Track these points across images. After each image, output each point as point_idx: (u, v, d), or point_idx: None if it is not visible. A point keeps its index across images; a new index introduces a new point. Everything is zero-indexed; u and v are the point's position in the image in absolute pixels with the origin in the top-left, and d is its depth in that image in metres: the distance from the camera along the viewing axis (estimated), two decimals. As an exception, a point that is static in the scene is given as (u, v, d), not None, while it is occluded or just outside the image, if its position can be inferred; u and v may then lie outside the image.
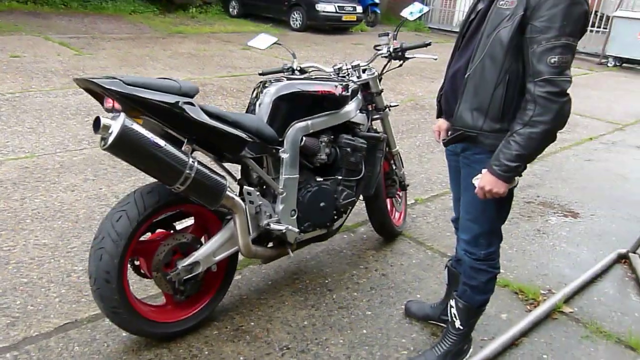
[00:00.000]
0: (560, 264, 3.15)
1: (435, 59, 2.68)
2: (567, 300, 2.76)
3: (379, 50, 2.79)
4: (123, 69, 6.86)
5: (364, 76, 2.79)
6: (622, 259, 3.23)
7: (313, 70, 2.83)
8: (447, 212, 3.63)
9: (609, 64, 11.33)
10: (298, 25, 12.60)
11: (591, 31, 11.76)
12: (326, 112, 2.52)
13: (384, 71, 2.83)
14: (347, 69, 2.78)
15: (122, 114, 1.80)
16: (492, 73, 1.71)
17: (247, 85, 6.53)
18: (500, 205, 1.91)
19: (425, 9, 2.68)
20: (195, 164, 1.95)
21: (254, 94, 2.46)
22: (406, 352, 2.28)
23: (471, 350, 2.26)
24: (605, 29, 11.83)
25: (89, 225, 3.03)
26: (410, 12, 2.72)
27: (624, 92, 8.75)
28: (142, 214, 2.00)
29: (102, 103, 1.95)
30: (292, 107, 2.41)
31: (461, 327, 2.13)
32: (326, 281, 2.75)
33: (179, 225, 2.29)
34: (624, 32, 10.84)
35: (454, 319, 2.13)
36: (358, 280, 2.78)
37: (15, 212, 3.11)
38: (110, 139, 1.76)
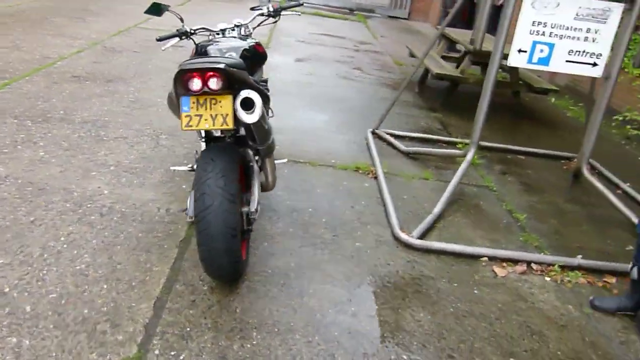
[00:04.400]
0: (342, 147, 4.61)
1: (299, 15, 3.53)
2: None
3: (257, 10, 3.39)
4: None
5: (242, 32, 3.38)
6: (374, 134, 4.95)
7: (201, 31, 3.22)
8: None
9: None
10: None
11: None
12: (259, 65, 3.13)
13: (257, 26, 3.46)
14: (230, 28, 3.30)
15: (255, 92, 2.17)
16: None
17: None
18: None
19: None
20: None
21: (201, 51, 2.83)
22: (375, 236, 3.39)
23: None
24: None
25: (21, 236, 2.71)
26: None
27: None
28: (235, 173, 2.37)
29: (188, 84, 2.20)
30: (247, 63, 2.92)
31: None
32: (288, 202, 3.45)
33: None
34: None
35: None
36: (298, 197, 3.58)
37: None
38: (258, 113, 2.15)
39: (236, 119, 2.28)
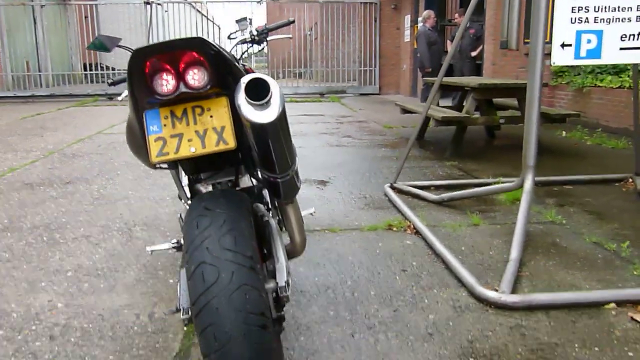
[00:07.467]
0: (360, 207, 3.75)
1: (290, 38, 2.79)
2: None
3: (236, 35, 2.64)
4: None
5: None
6: (393, 188, 4.10)
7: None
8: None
9: None
10: None
11: None
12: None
13: (241, 57, 2.70)
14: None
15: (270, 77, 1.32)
16: None
17: None
18: None
19: None
20: None
21: None
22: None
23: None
24: None
25: None
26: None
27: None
28: (248, 224, 1.46)
29: (153, 85, 1.36)
30: None
31: None
32: (315, 279, 2.48)
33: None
34: None
35: None
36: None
37: None
38: (277, 105, 1.29)
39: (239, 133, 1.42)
